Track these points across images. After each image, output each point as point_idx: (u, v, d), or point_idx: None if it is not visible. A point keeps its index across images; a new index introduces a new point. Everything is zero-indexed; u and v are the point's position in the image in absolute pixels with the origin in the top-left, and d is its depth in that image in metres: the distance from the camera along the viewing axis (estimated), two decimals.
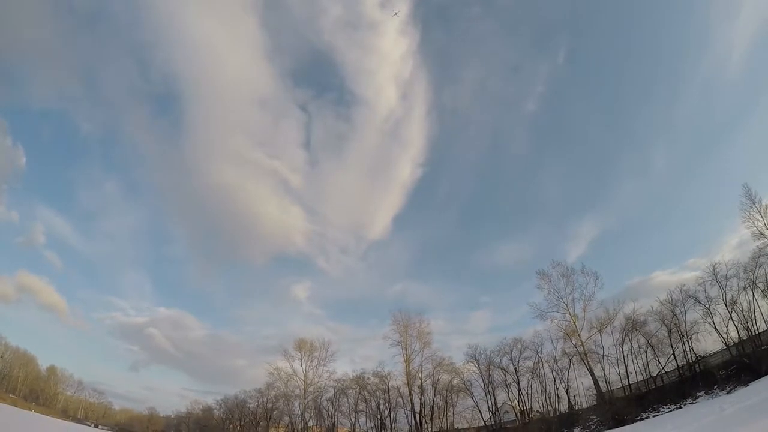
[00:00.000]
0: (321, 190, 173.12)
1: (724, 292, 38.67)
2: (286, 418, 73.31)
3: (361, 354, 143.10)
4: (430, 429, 55.05)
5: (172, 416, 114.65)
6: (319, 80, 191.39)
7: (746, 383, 30.73)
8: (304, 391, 70.23)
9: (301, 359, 72.17)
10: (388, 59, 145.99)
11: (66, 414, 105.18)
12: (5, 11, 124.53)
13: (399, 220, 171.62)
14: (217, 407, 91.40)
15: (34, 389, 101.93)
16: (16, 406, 77.02)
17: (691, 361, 38.91)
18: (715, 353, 38.27)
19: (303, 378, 71.33)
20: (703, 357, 38.63)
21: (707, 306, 39.51)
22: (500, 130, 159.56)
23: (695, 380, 36.53)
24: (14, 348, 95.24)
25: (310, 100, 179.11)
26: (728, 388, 32.04)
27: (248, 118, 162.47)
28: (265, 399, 76.85)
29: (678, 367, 40.03)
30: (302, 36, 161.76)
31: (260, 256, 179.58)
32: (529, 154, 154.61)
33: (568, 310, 48.04)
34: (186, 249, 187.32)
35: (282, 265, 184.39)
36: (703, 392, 34.37)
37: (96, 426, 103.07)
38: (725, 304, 38.34)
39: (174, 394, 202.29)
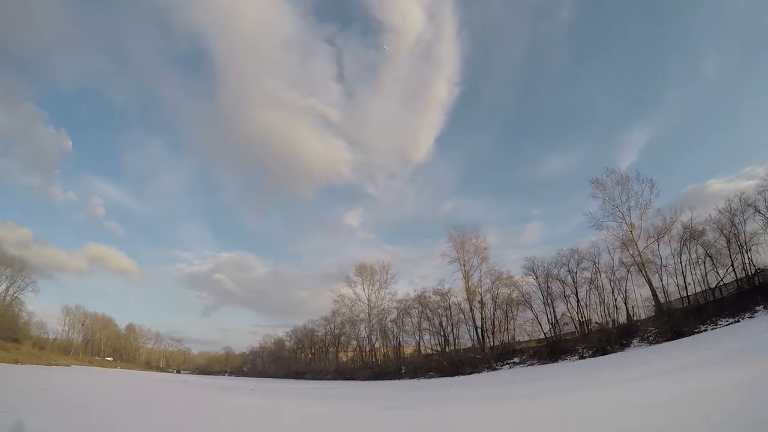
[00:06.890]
0: (361, 121, 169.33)
1: None
2: (354, 342, 78.68)
3: (419, 274, 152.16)
4: (492, 342, 57.74)
5: (247, 352, 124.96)
6: (342, 13, 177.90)
7: None
8: (369, 314, 73.36)
9: (362, 284, 74.86)
10: None
11: (149, 365, 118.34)
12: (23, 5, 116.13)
13: (442, 140, 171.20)
14: (288, 339, 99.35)
15: (116, 348, 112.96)
16: (102, 367, 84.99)
17: (750, 274, 38.57)
18: None
19: (366, 302, 74.25)
20: (762, 270, 37.31)
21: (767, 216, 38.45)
22: (536, 42, 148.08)
23: (754, 294, 35.06)
24: (93, 314, 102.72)
25: (336, 34, 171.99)
26: None
27: (277, 61, 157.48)
28: (332, 326, 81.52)
29: (737, 279, 39.81)
30: None
31: (309, 191, 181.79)
32: (570, 64, 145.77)
33: (624, 219, 46.70)
34: (237, 194, 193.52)
35: (332, 196, 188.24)
36: (761, 306, 32.77)
37: (178, 372, 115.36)
38: None
39: (246, 332, 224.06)
